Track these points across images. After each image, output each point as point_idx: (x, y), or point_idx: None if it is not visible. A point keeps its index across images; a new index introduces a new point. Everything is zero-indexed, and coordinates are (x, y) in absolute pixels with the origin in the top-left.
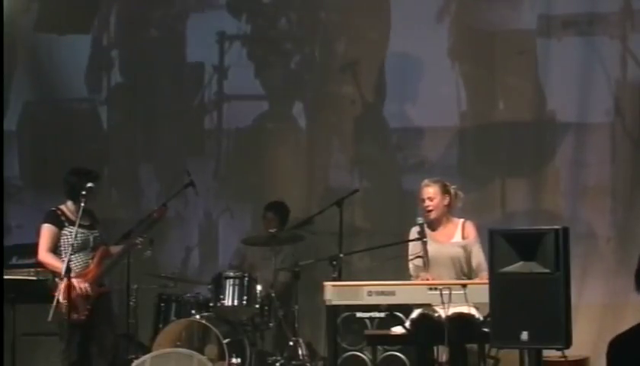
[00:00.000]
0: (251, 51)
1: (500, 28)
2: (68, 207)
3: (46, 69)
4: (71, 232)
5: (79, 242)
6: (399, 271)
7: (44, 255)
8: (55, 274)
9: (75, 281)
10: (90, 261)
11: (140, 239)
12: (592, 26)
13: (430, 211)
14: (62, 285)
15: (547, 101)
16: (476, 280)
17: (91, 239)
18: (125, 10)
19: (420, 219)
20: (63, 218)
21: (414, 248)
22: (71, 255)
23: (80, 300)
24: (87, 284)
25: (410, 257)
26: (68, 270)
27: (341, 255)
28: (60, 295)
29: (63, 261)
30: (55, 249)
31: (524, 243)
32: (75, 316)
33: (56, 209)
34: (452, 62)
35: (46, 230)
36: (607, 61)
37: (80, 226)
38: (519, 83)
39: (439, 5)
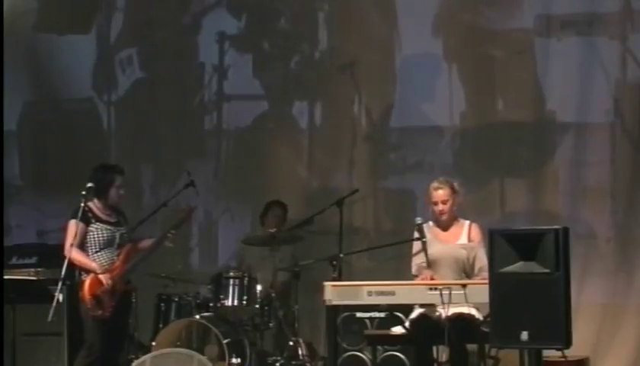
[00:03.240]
0: (250, 51)
1: (500, 28)
2: (95, 204)
3: (46, 69)
4: (97, 228)
5: (105, 238)
6: (399, 271)
7: (70, 251)
8: (81, 270)
9: (101, 277)
10: (115, 257)
11: (171, 233)
12: (592, 26)
13: (444, 214)
14: (87, 281)
15: (547, 101)
16: (476, 280)
17: (117, 236)
18: (125, 11)
19: (419, 220)
20: (90, 215)
21: (416, 247)
22: (96, 252)
23: (105, 297)
24: (111, 281)
25: (413, 255)
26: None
27: (341, 255)
28: (85, 291)
29: (90, 257)
30: (82, 246)
31: (524, 243)
32: (99, 312)
33: (83, 205)
34: (452, 61)
35: (72, 226)
36: (607, 61)
37: (106, 222)
38: (518, 83)
39: (439, 5)
